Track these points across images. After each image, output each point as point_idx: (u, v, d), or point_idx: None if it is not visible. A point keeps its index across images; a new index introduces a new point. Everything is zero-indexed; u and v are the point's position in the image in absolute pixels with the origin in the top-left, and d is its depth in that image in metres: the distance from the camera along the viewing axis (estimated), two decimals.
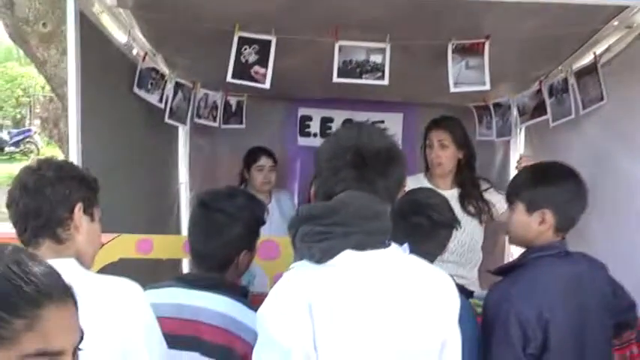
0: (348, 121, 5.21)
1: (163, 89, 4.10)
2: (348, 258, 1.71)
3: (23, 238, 2.00)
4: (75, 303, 1.16)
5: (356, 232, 1.72)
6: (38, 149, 25.02)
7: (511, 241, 2.68)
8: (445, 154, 3.81)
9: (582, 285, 2.37)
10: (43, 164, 2.05)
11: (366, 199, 1.76)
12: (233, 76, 3.46)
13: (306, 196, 4.87)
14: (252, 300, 2.22)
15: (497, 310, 2.32)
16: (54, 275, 1.14)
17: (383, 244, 1.78)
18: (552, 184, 2.44)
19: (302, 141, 5.43)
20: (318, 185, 1.89)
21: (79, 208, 2.00)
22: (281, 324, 1.67)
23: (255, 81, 3.48)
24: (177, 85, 4.32)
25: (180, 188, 5.10)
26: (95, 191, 2.08)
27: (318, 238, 1.72)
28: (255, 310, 1.94)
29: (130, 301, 1.92)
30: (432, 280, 1.86)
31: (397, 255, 1.81)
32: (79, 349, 1.16)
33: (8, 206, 2.03)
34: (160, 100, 4.10)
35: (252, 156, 4.70)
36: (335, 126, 5.35)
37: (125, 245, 2.88)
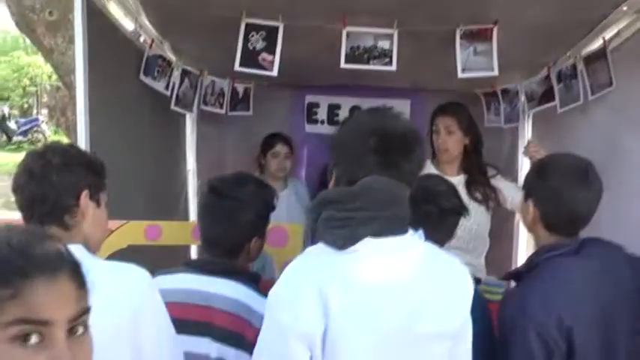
0: (355, 108, 5.25)
1: (170, 76, 4.10)
2: (368, 245, 1.70)
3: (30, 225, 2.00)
4: (76, 279, 1.19)
5: (378, 218, 1.71)
6: (45, 138, 25.00)
7: None
8: (451, 139, 3.81)
9: (601, 278, 2.23)
10: (49, 150, 2.04)
11: (389, 184, 1.74)
12: (241, 65, 3.45)
13: (316, 183, 4.86)
14: (263, 286, 2.22)
15: (513, 325, 2.18)
16: (54, 250, 1.17)
17: (402, 231, 1.77)
18: (541, 176, 2.35)
19: (309, 128, 5.45)
20: (339, 172, 1.87)
21: (85, 195, 2.00)
22: (286, 307, 1.68)
23: (263, 68, 3.47)
24: (184, 72, 4.31)
25: (188, 175, 5.11)
26: (102, 176, 2.08)
27: (340, 223, 1.71)
28: (267, 296, 1.94)
29: (137, 286, 1.91)
30: (449, 268, 1.86)
31: (415, 242, 1.80)
32: (85, 325, 1.19)
33: (14, 191, 2.02)
34: (167, 88, 4.10)
35: (268, 142, 4.70)
36: (342, 113, 5.36)
37: (134, 232, 2.89)
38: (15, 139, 25.45)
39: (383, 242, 1.72)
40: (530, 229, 2.42)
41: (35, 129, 25.63)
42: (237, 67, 3.46)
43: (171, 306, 1.95)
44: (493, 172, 3.92)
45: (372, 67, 3.52)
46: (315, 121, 5.45)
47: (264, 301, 2.07)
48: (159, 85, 3.98)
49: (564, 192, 2.26)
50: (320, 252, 1.74)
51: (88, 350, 1.19)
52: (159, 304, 1.93)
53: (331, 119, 5.39)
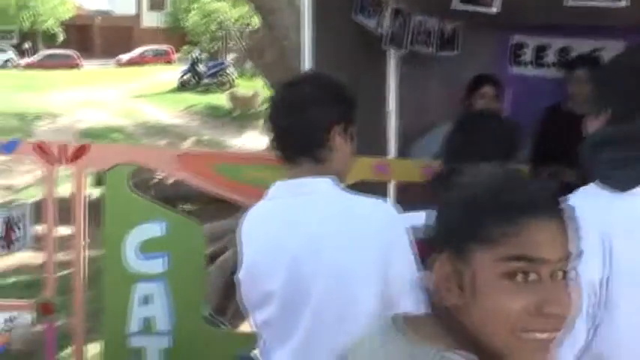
0: (563, 50, 5.05)
1: (381, 15, 4.07)
2: None
3: (282, 156, 2.05)
4: (565, 223, 1.21)
5: None
6: (232, 81, 26.16)
7: None
8: None
9: None
10: (302, 81, 2.06)
11: None
12: (461, 1, 3.36)
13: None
14: None
15: None
16: (544, 191, 1.21)
17: None
18: None
19: (515, 70, 5.28)
20: (612, 112, 1.78)
21: (337, 132, 2.01)
22: None
23: (483, 5, 3.36)
24: (395, 11, 4.26)
25: (389, 116, 5.10)
26: (354, 109, 2.08)
27: (621, 164, 1.65)
28: None
29: (389, 221, 1.92)
30: None
31: None
32: (563, 270, 1.20)
33: (267, 122, 2.08)
34: (378, 26, 4.08)
35: (475, 83, 4.54)
36: (550, 54, 5.15)
37: (362, 167, 2.88)
38: (204, 81, 26.76)
39: None
40: None
41: (222, 72, 26.81)
42: (456, 6, 3.38)
43: (417, 243, 1.93)
44: None
45: (601, 3, 3.30)
46: (520, 63, 5.27)
47: None
48: (371, 23, 3.98)
49: None
50: (597, 193, 1.69)
51: (569, 296, 1.20)
52: (407, 241, 1.92)
53: (538, 61, 5.20)
